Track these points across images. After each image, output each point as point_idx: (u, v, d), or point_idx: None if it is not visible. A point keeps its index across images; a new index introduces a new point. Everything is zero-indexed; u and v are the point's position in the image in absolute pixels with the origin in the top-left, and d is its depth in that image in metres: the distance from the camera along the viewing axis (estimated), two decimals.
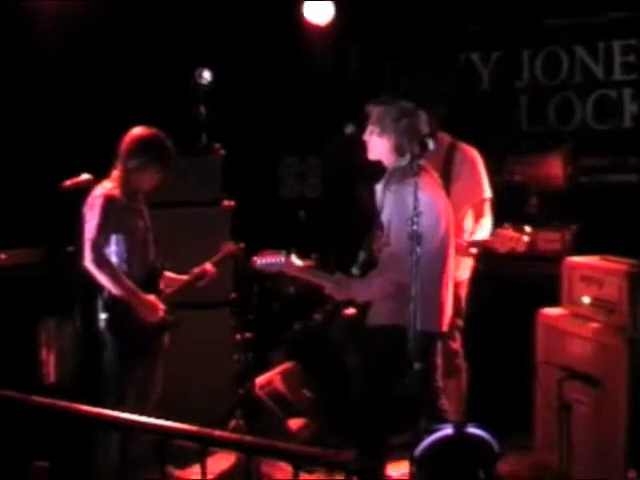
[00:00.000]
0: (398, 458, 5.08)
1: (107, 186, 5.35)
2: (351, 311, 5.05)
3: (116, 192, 5.33)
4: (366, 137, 5.02)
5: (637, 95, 7.04)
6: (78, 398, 3.63)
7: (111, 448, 5.25)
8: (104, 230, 5.24)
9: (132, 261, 5.39)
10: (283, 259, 5.09)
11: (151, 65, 7.46)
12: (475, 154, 5.96)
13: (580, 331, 5.46)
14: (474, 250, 5.66)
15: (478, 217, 5.83)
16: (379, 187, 5.02)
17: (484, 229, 5.77)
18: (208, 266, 5.69)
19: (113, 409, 4.32)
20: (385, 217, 4.85)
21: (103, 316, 5.31)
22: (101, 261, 5.21)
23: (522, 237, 5.18)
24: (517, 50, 7.61)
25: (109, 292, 5.26)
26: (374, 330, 4.91)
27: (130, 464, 5.29)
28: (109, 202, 5.27)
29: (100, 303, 5.32)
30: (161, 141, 5.45)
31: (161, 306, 5.40)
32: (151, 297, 5.37)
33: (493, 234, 5.37)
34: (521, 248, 5.22)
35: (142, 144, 5.41)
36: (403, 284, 4.58)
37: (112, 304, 5.27)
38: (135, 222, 5.43)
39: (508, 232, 5.22)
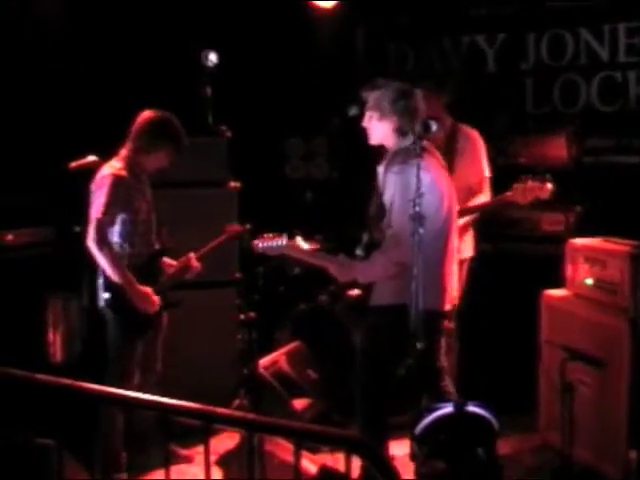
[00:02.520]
0: (401, 437, 5.12)
1: (116, 165, 5.37)
2: (355, 292, 5.07)
3: (124, 172, 5.35)
4: (365, 123, 5.03)
5: None
6: (84, 377, 3.67)
7: (117, 425, 5.32)
8: (111, 210, 5.26)
9: (135, 241, 5.43)
10: (284, 242, 5.09)
11: (158, 46, 7.47)
12: (476, 134, 5.99)
13: (583, 312, 5.49)
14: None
15: (477, 194, 5.84)
16: (381, 169, 5.03)
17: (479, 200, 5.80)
18: (193, 260, 5.67)
19: (118, 386, 4.38)
20: (387, 198, 4.86)
21: (105, 295, 5.35)
22: (103, 242, 5.23)
23: (546, 184, 5.14)
24: (522, 32, 7.60)
25: (109, 277, 5.29)
26: (378, 310, 4.94)
27: (136, 441, 5.37)
28: (118, 182, 5.29)
29: (101, 282, 5.36)
30: (173, 124, 5.48)
31: (155, 299, 5.40)
32: (146, 289, 5.35)
33: (511, 189, 5.33)
34: (545, 195, 5.16)
35: (154, 126, 5.44)
36: (406, 264, 4.61)
37: (112, 284, 5.30)
38: (140, 203, 5.44)
39: (527, 183, 5.18)
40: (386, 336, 4.90)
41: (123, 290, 5.28)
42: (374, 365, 4.99)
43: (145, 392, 4.51)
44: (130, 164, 5.41)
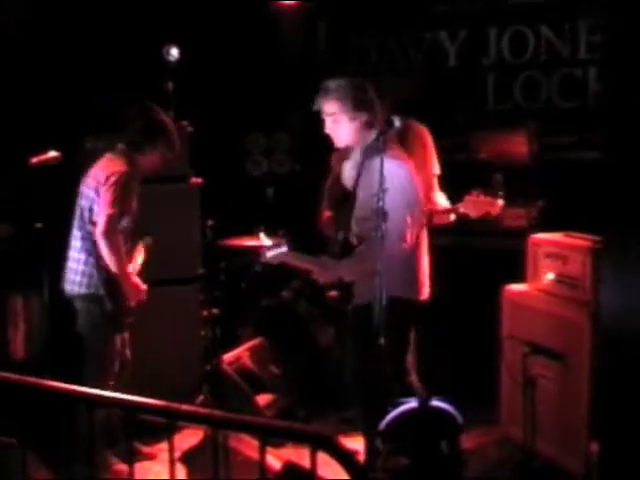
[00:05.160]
0: (351, 432, 5.15)
1: (122, 162, 5.41)
2: (334, 293, 5.06)
3: (130, 168, 5.40)
4: (330, 130, 5.00)
5: (602, 74, 7.09)
6: (47, 374, 3.65)
7: (83, 423, 5.31)
8: (120, 204, 5.31)
9: (127, 238, 5.46)
10: (285, 249, 5.05)
11: (119, 41, 7.42)
12: (426, 131, 5.92)
13: (545, 307, 5.53)
14: (453, 217, 5.42)
15: (428, 192, 5.77)
16: (349, 165, 5.03)
17: (442, 200, 5.75)
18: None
19: (99, 382, 4.37)
20: (371, 194, 4.80)
21: (101, 291, 5.37)
22: (114, 234, 5.29)
23: (496, 200, 5.07)
24: (484, 28, 7.62)
25: (105, 268, 5.33)
26: (365, 308, 4.82)
27: (105, 440, 5.34)
28: (127, 178, 5.35)
29: (97, 274, 5.37)
30: (169, 126, 5.55)
31: (144, 288, 5.47)
32: (137, 280, 5.44)
33: (463, 201, 5.26)
34: (495, 211, 5.08)
35: (151, 127, 5.49)
36: (396, 257, 4.72)
37: (109, 276, 5.35)
38: (133, 201, 5.48)
39: (479, 197, 5.11)
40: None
41: (118, 282, 5.34)
42: (370, 361, 4.92)
43: (120, 390, 4.52)
44: (130, 161, 5.45)
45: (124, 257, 5.37)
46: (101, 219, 5.29)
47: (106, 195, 5.31)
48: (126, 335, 5.66)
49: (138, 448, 5.54)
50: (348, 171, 5.06)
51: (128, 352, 5.67)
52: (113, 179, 5.31)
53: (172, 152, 5.57)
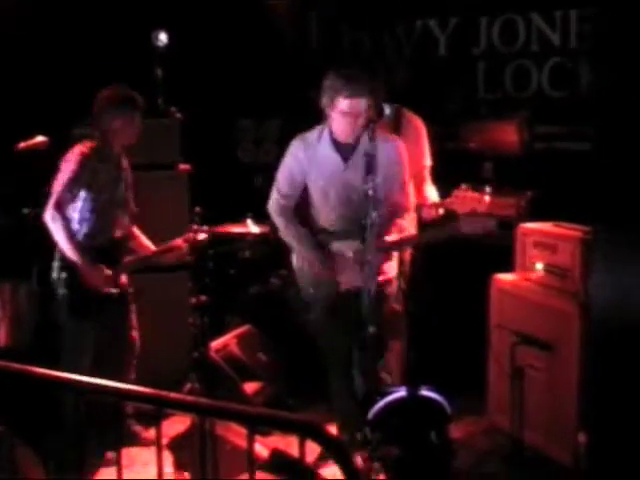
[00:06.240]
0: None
1: (87, 144, 5.35)
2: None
3: (92, 151, 5.33)
4: (347, 126, 4.95)
5: (593, 64, 7.07)
6: (34, 360, 3.62)
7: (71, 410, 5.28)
8: (73, 186, 5.25)
9: (96, 223, 5.39)
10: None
11: (108, 26, 7.38)
12: (419, 121, 5.90)
13: (533, 297, 5.53)
14: (441, 211, 5.51)
15: (419, 183, 5.77)
16: (355, 160, 5.00)
17: (432, 194, 5.75)
18: (179, 241, 5.65)
19: (68, 369, 4.34)
20: (385, 177, 4.84)
21: (62, 275, 5.31)
22: (57, 215, 5.20)
23: (483, 197, 5.11)
24: (474, 17, 7.60)
25: (62, 253, 5.26)
26: (356, 295, 4.87)
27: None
28: (83, 159, 5.27)
29: (58, 263, 5.32)
30: (128, 94, 5.44)
31: (108, 274, 5.33)
32: (99, 266, 5.31)
33: (450, 195, 5.28)
34: (482, 208, 5.12)
35: (104, 100, 5.39)
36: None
37: (69, 264, 5.26)
38: (104, 185, 5.40)
39: (467, 193, 5.13)
40: None
41: (78, 270, 5.25)
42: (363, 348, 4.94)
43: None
44: (100, 145, 5.39)
45: (74, 239, 5.25)
46: (50, 198, 5.24)
47: (59, 175, 5.27)
48: (122, 328, 5.62)
49: (138, 431, 5.57)
50: (355, 165, 5.01)
51: (122, 342, 5.64)
52: (70, 160, 5.27)
53: (138, 116, 5.47)
